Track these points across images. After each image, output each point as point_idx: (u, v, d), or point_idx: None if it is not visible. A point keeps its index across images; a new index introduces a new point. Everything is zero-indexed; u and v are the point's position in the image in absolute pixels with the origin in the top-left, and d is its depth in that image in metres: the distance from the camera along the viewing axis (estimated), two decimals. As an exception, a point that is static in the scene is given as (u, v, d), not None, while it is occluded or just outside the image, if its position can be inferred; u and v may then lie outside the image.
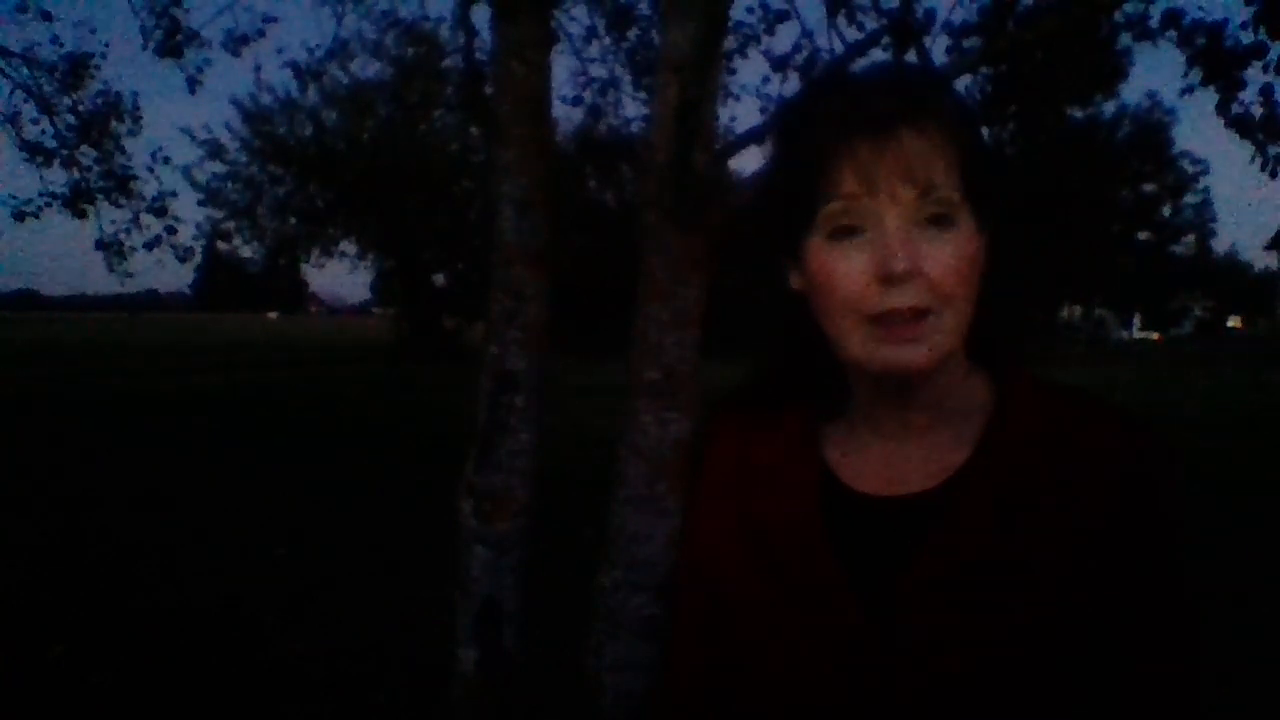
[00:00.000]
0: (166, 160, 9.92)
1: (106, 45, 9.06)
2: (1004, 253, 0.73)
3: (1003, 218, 0.73)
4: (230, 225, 22.66)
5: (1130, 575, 0.66)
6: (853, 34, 3.69)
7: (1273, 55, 3.11)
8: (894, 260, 0.66)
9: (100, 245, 9.53)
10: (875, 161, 0.66)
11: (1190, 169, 31.90)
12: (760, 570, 0.77)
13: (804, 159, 0.70)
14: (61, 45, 10.23)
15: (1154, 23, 3.64)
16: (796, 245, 0.73)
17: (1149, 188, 31.39)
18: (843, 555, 0.73)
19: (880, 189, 0.67)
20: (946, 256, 0.67)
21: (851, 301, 0.69)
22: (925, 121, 0.67)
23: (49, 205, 9.00)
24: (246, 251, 24.26)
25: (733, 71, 5.55)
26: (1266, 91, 3.23)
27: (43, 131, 9.02)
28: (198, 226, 21.94)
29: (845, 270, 0.69)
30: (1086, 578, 0.66)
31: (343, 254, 24.33)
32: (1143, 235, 32.89)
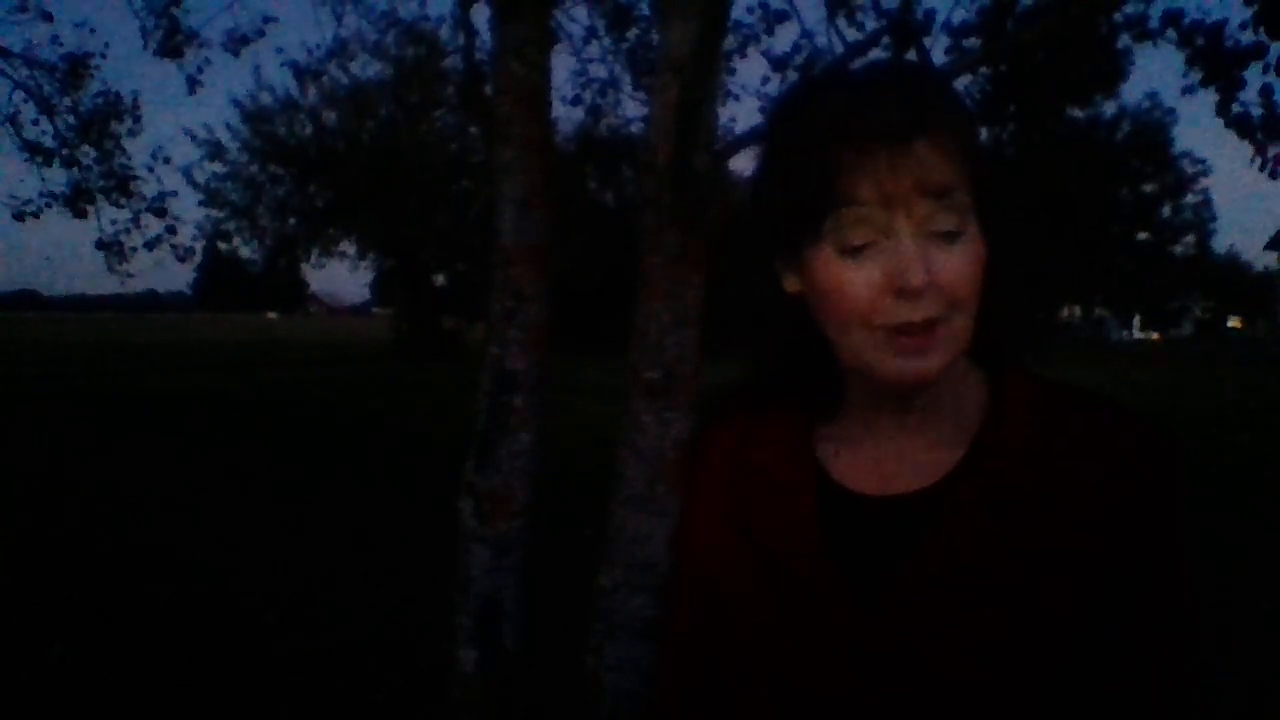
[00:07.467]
0: (166, 160, 9.96)
1: (106, 45, 9.08)
2: (1002, 252, 0.72)
3: (1001, 218, 0.73)
4: (230, 225, 22.68)
5: (1128, 571, 0.66)
6: (853, 34, 3.69)
7: (1273, 55, 3.11)
8: (911, 274, 0.65)
9: (100, 245, 9.56)
10: (891, 172, 0.65)
11: (1190, 169, 31.93)
12: (756, 570, 0.77)
13: (813, 166, 0.68)
14: (61, 45, 10.27)
15: (1154, 23, 3.64)
16: (798, 251, 0.72)
17: (1149, 188, 31.40)
18: (837, 555, 0.73)
19: (896, 201, 0.66)
20: (958, 264, 0.66)
21: (862, 313, 0.67)
22: (938, 129, 0.67)
23: (49, 205, 9.03)
24: (246, 251, 24.25)
25: (733, 71, 5.56)
26: (1266, 91, 3.23)
27: (43, 132, 9.05)
28: (198, 226, 21.98)
29: (856, 281, 0.67)
30: (1083, 574, 0.66)
31: (343, 254, 24.35)
32: (1143, 235, 32.88)
